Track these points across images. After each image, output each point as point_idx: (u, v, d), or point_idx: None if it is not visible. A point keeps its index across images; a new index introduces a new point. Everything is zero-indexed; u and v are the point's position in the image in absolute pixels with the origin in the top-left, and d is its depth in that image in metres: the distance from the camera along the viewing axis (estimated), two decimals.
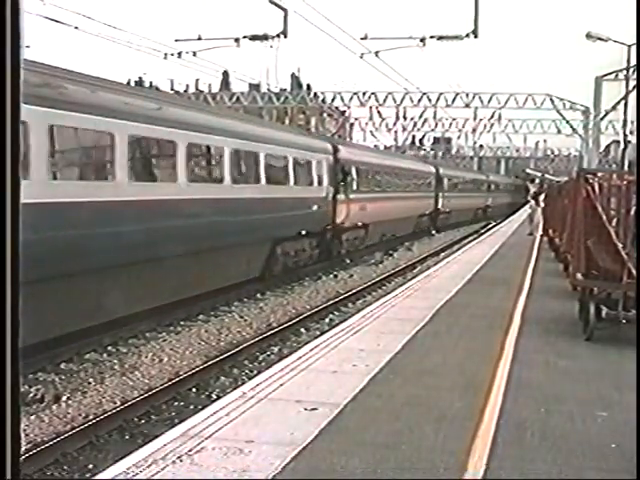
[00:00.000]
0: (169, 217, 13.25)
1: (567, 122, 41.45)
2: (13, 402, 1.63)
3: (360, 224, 26.24)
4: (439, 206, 41.87)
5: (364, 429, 5.86)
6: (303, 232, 20.58)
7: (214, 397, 9.35)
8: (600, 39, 31.45)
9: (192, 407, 9.02)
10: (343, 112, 59.06)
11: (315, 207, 21.67)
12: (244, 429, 5.79)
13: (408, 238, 34.82)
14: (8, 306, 1.62)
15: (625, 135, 35.65)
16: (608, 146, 67.46)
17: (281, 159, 19.23)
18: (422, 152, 72.77)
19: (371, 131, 55.70)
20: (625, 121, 34.47)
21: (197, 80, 60.70)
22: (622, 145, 37.67)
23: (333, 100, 42.62)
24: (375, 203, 27.93)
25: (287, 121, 54.86)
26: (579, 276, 10.35)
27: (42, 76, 9.97)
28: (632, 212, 10.12)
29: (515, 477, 5.04)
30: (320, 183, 22.36)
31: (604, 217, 9.98)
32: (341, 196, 24.01)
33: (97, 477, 5.37)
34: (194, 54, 29.23)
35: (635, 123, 35.72)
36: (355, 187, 25.91)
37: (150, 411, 9.06)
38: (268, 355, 12.22)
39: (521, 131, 54.64)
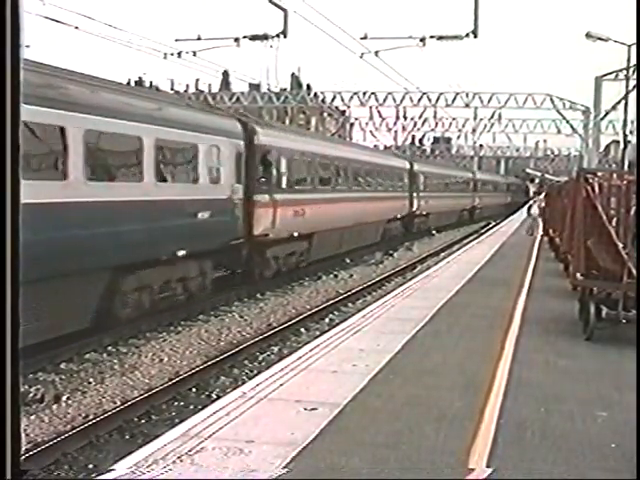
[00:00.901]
0: None
1: (567, 122, 41.41)
2: (13, 402, 1.63)
3: (297, 234, 19.83)
4: (414, 208, 35.47)
5: (364, 429, 5.86)
6: (181, 253, 13.54)
7: (214, 397, 9.35)
8: (600, 39, 31.44)
9: (192, 407, 9.01)
10: (343, 112, 59.10)
11: (205, 214, 14.42)
12: (244, 429, 5.79)
13: (374, 248, 28.64)
14: (8, 306, 1.62)
15: (625, 135, 35.63)
16: (608, 146, 67.48)
17: (124, 140, 12.04)
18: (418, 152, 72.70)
19: (371, 131, 55.72)
20: (625, 121, 34.48)
21: (197, 80, 60.75)
22: (622, 145, 37.66)
23: (333, 100, 42.59)
24: (321, 206, 21.55)
25: (287, 121, 54.90)
26: (579, 276, 10.36)
27: None
28: (632, 212, 10.12)
29: (516, 477, 5.05)
30: (216, 179, 15.16)
31: (604, 217, 9.99)
32: (262, 197, 17.32)
33: (98, 477, 5.37)
34: (194, 54, 29.20)
35: (635, 123, 35.73)
36: (286, 184, 19.15)
37: (150, 411, 9.06)
38: (268, 355, 12.21)
39: (521, 131, 54.60)
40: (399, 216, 33.08)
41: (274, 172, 18.32)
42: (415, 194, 35.52)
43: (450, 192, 45.53)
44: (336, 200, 23.16)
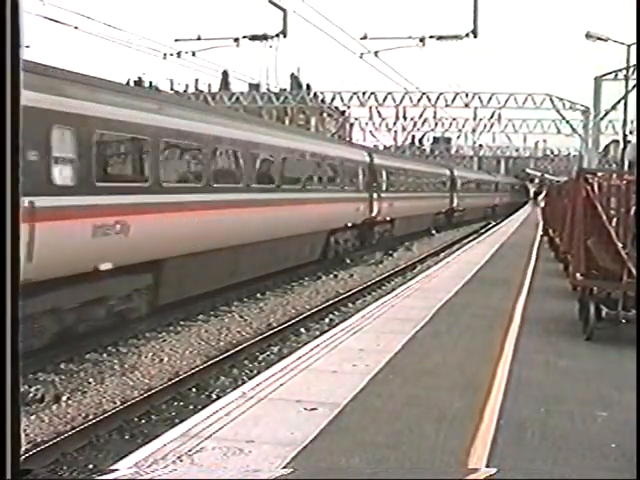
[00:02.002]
0: None
1: (567, 122, 41.48)
2: (13, 402, 1.63)
3: (112, 266, 11.27)
4: (374, 213, 28.04)
5: (364, 429, 5.86)
6: None
7: (214, 397, 9.35)
8: (600, 39, 31.47)
9: (192, 407, 9.01)
10: (343, 112, 59.17)
11: None
12: (244, 429, 5.79)
13: (309, 269, 21.62)
14: (8, 306, 1.62)
15: (625, 135, 35.67)
16: (608, 146, 67.52)
17: None
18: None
19: (371, 131, 55.79)
20: (625, 121, 34.51)
21: (197, 80, 60.80)
22: (622, 145, 37.69)
23: (333, 100, 42.65)
24: (180, 215, 13.25)
25: (287, 121, 54.90)
26: (579, 276, 10.36)
27: None
28: (632, 212, 10.12)
29: (515, 477, 5.04)
30: None
31: (604, 217, 9.99)
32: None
33: (99, 477, 5.37)
34: (193, 54, 29.24)
35: (635, 123, 35.76)
36: (73, 179, 10.67)
37: (150, 411, 9.06)
38: (268, 355, 12.21)
39: (521, 131, 54.77)
40: (350, 224, 25.19)
41: (37, 157, 9.75)
42: (376, 195, 28.27)
43: (422, 192, 37.84)
44: (219, 205, 14.85)
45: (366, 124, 54.03)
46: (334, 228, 23.59)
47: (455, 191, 46.56)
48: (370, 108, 45.39)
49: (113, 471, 5.07)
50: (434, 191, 41.41)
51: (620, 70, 33.43)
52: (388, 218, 30.29)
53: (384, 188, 29.75)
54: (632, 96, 32.37)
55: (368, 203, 27.45)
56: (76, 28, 23.00)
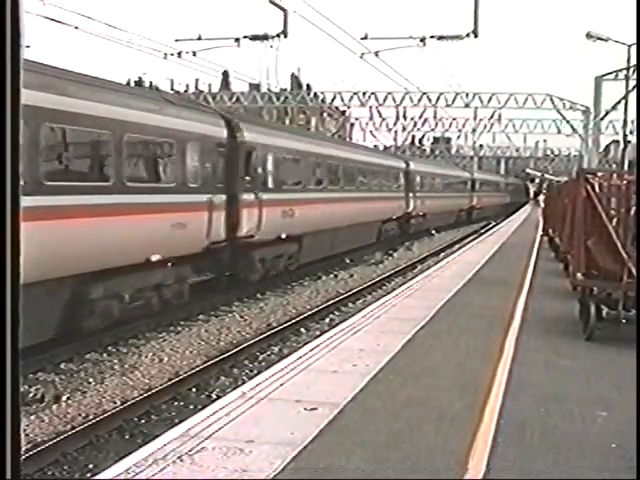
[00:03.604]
0: None
1: (567, 122, 41.41)
2: (13, 402, 1.63)
3: None
4: (244, 229, 16.19)
5: (364, 429, 5.86)
6: None
7: (214, 397, 9.35)
8: (600, 39, 31.46)
9: (192, 407, 9.02)
10: (343, 112, 59.17)
11: None
12: (244, 429, 5.79)
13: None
14: (8, 306, 1.62)
15: (625, 135, 35.68)
16: (608, 146, 67.49)
17: None
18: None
19: (371, 131, 55.77)
20: (625, 121, 34.50)
21: (197, 80, 60.74)
22: (622, 145, 37.68)
23: (333, 100, 42.59)
24: None
25: (287, 121, 54.89)
26: (579, 276, 10.36)
27: None
28: (632, 212, 10.12)
29: (515, 477, 5.04)
30: None
31: (604, 217, 9.99)
32: None
33: (98, 477, 5.37)
34: (194, 54, 29.23)
35: (635, 123, 35.75)
36: None
37: (150, 411, 9.06)
38: (268, 355, 12.22)
39: (521, 131, 54.65)
40: (170, 257, 13.30)
41: None
42: (252, 196, 16.59)
43: (358, 192, 26.27)
44: None
45: (366, 124, 54.05)
46: (114, 267, 11.73)
47: (412, 190, 35.16)
48: (370, 108, 45.37)
49: (112, 471, 5.08)
50: (379, 190, 29.76)
51: (620, 70, 33.42)
52: (284, 235, 18.49)
53: (270, 185, 17.84)
54: (632, 96, 32.38)
55: (223, 212, 15.27)
56: (76, 28, 23.00)
